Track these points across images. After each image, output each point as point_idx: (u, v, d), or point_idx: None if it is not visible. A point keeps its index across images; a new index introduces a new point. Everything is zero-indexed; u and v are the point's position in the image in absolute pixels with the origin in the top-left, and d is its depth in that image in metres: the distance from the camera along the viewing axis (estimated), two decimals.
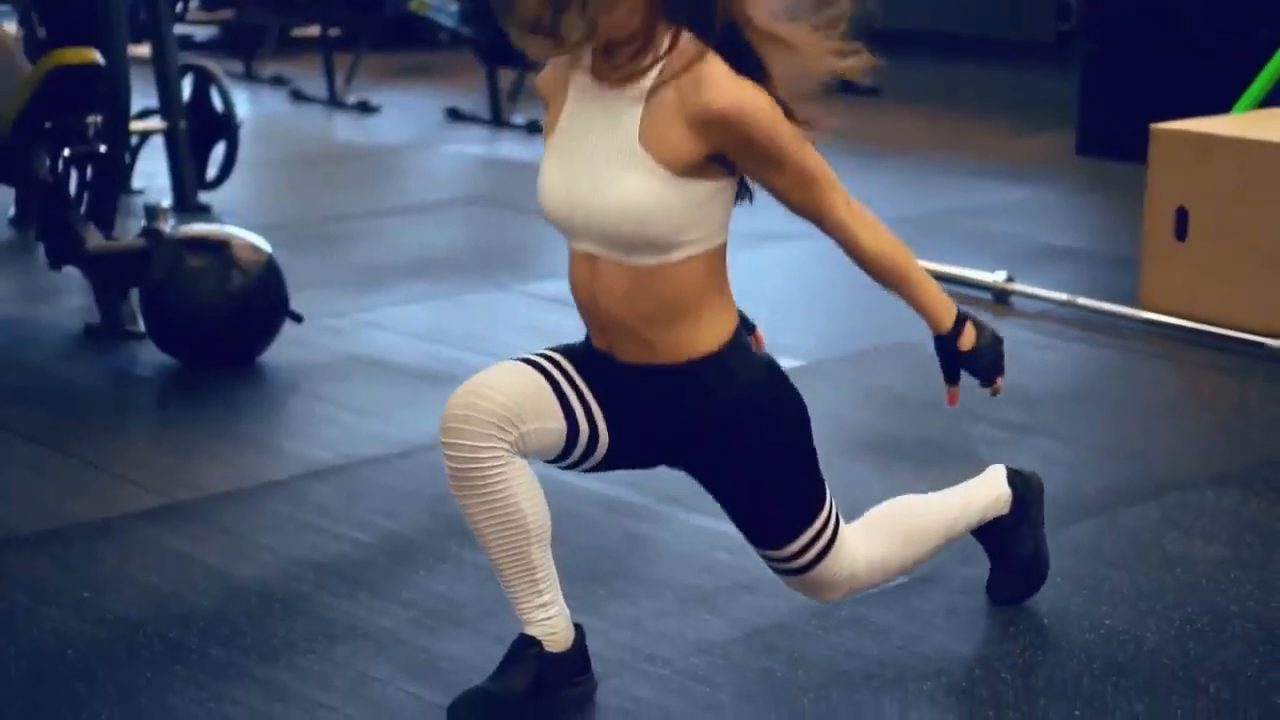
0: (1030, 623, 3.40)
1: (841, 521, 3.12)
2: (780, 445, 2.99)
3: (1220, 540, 3.80)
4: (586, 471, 3.03)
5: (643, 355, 2.90)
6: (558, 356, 2.97)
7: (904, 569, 3.27)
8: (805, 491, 3.03)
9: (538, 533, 2.92)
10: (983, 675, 3.19)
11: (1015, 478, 3.44)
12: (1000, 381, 3.11)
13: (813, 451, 3.03)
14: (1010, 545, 3.43)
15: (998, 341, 3.09)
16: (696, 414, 2.94)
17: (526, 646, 2.98)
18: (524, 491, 2.89)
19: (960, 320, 3.03)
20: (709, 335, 2.90)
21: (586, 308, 2.93)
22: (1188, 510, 3.97)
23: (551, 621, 2.99)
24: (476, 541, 2.96)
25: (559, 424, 2.91)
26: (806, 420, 3.02)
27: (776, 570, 3.13)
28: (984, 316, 5.46)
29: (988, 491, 3.39)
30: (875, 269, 2.97)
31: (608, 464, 3.01)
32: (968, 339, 3.05)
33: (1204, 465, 4.29)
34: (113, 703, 3.06)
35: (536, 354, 2.97)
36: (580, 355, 2.99)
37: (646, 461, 3.06)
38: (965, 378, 3.14)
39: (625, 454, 3.00)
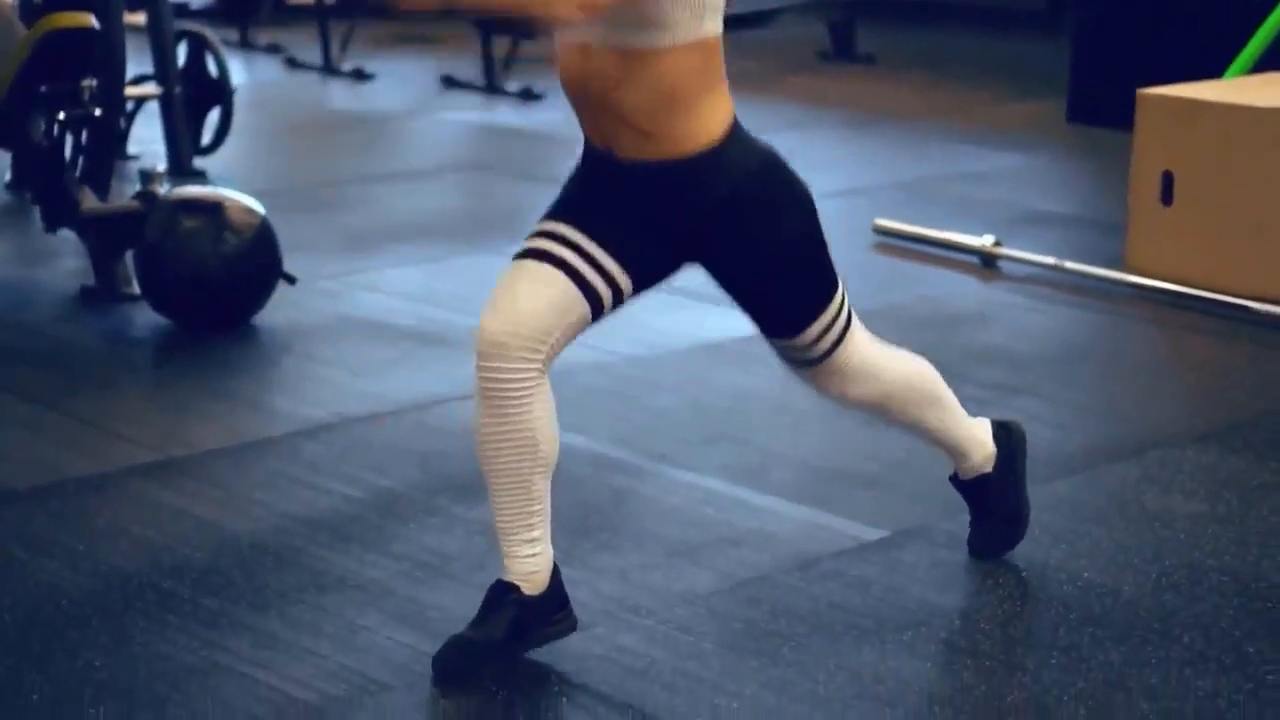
0: (1010, 576, 3.45)
1: (855, 317, 3.20)
2: (788, 230, 3.05)
3: (1199, 497, 3.86)
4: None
5: (643, 150, 2.94)
6: (560, 229, 3.00)
7: (889, 407, 3.32)
8: (816, 277, 3.11)
9: (545, 461, 3.01)
10: (962, 626, 3.25)
11: (999, 432, 3.49)
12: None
13: (821, 237, 3.10)
14: (993, 499, 3.48)
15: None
16: (702, 208, 2.98)
17: (504, 593, 3.05)
18: (543, 418, 2.99)
19: None
20: (707, 126, 2.95)
21: (581, 100, 2.97)
22: (1168, 468, 4.03)
23: (535, 559, 3.06)
24: (484, 469, 3.02)
25: (583, 309, 2.99)
26: (812, 205, 3.09)
27: (794, 362, 3.20)
28: (971, 282, 5.58)
29: (974, 434, 3.43)
30: None
31: (641, 292, 3.08)
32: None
33: (1185, 425, 4.34)
34: (106, 650, 3.12)
35: (541, 236, 3.01)
36: (577, 199, 3.04)
37: (670, 268, 3.09)
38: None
39: (649, 274, 3.06)
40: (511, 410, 2.96)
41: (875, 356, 3.25)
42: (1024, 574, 3.46)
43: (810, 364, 3.19)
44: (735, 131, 2.99)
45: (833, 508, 3.77)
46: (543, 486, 3.04)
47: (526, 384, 2.96)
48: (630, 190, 3.00)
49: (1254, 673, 3.07)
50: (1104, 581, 3.43)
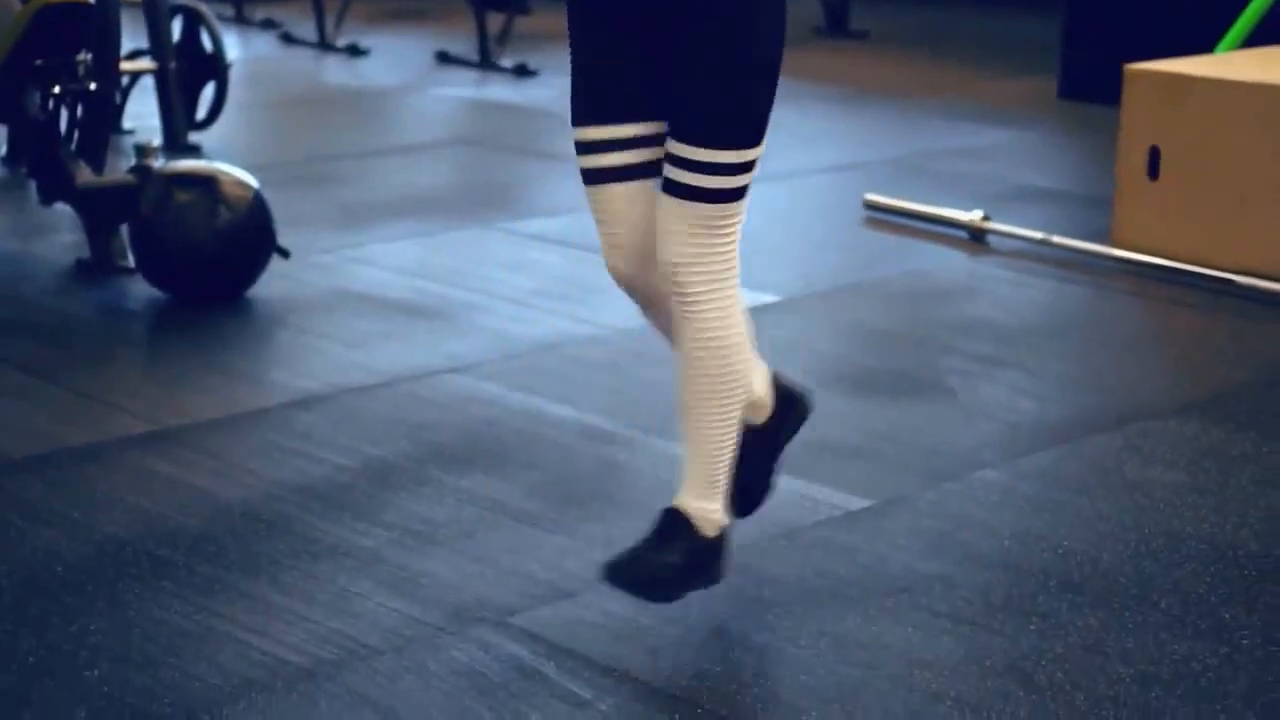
0: (991, 544, 3.51)
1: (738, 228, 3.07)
2: (754, 36, 2.92)
3: (1179, 466, 3.91)
4: None
5: None
6: (593, 134, 3.01)
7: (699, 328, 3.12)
8: (751, 105, 2.95)
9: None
10: (943, 592, 3.30)
11: (787, 394, 3.40)
12: None
13: (775, 73, 2.99)
14: (748, 457, 3.33)
15: None
16: None
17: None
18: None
19: None
20: None
21: None
22: (1149, 438, 4.08)
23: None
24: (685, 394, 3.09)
25: (653, 186, 3.02)
26: (781, 33, 2.98)
27: (672, 184, 2.97)
28: (959, 256, 5.63)
29: (754, 379, 3.28)
30: None
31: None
32: None
33: (1168, 396, 4.40)
34: (101, 615, 3.17)
35: (589, 152, 3.03)
36: (584, 85, 3.02)
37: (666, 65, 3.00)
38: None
39: (664, 85, 2.99)
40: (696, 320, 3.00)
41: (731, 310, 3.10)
42: (1005, 543, 3.51)
43: (697, 197, 2.95)
44: None
45: (819, 478, 3.82)
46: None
47: (698, 289, 2.98)
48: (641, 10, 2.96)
49: (1229, 637, 3.12)
50: (1084, 549, 3.48)
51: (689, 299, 3.00)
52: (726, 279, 3.01)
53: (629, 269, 3.09)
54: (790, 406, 3.42)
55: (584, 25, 3.05)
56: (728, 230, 2.99)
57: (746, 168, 2.98)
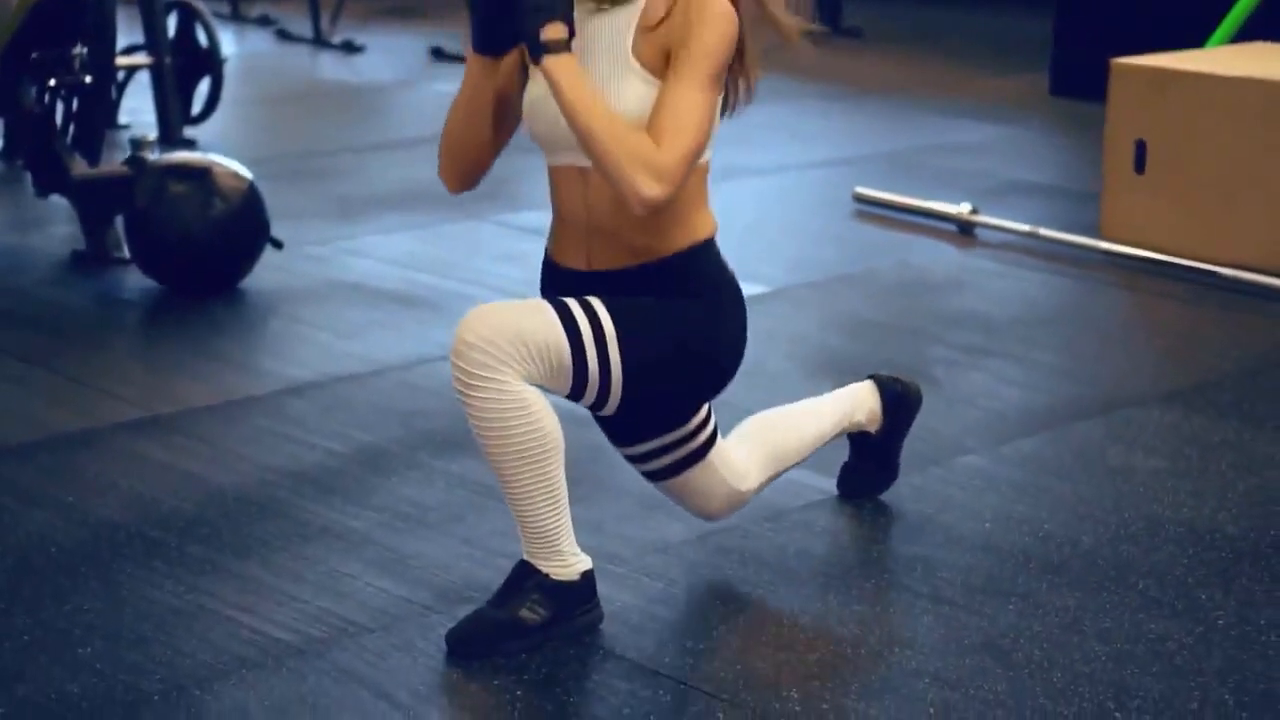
0: (973, 527, 3.55)
1: (713, 445, 3.27)
2: (698, 336, 3.03)
3: (1161, 453, 3.96)
4: None
5: (626, 260, 3.02)
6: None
7: (774, 477, 3.46)
8: (674, 399, 3.15)
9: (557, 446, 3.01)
10: (923, 573, 3.35)
11: (894, 387, 3.62)
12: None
13: (703, 388, 3.14)
14: (875, 449, 3.63)
15: None
16: (665, 284, 3.01)
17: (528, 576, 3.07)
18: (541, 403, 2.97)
19: None
20: (695, 233, 3.04)
21: (574, 220, 3.04)
22: (1132, 426, 4.13)
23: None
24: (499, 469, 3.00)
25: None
26: (730, 356, 3.11)
27: (644, 474, 3.29)
28: (948, 249, 5.67)
29: (859, 406, 3.58)
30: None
31: None
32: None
33: (1151, 385, 4.44)
34: (95, 595, 3.22)
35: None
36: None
37: None
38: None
39: None
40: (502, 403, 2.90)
41: (741, 470, 3.35)
42: (987, 526, 3.56)
43: (652, 478, 3.30)
44: (714, 245, 3.08)
45: (804, 462, 3.86)
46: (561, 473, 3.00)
47: (504, 383, 2.89)
48: (603, 289, 3.02)
49: (1204, 617, 3.17)
50: (1064, 533, 3.53)
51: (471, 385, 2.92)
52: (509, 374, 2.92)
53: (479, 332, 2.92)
54: (900, 403, 3.61)
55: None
56: (542, 362, 2.94)
57: (606, 368, 2.97)
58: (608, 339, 2.95)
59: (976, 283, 5.34)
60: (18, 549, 3.42)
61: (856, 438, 3.63)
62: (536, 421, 2.91)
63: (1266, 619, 3.16)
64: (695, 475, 3.28)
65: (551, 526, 3.00)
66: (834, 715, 2.83)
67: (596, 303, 2.98)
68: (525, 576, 3.03)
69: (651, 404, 3.14)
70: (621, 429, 3.24)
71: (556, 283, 3.12)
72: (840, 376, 4.45)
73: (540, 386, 2.94)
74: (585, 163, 2.97)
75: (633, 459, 3.29)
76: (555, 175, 3.07)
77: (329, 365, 4.51)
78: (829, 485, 3.72)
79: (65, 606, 3.17)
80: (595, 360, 2.95)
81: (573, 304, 2.97)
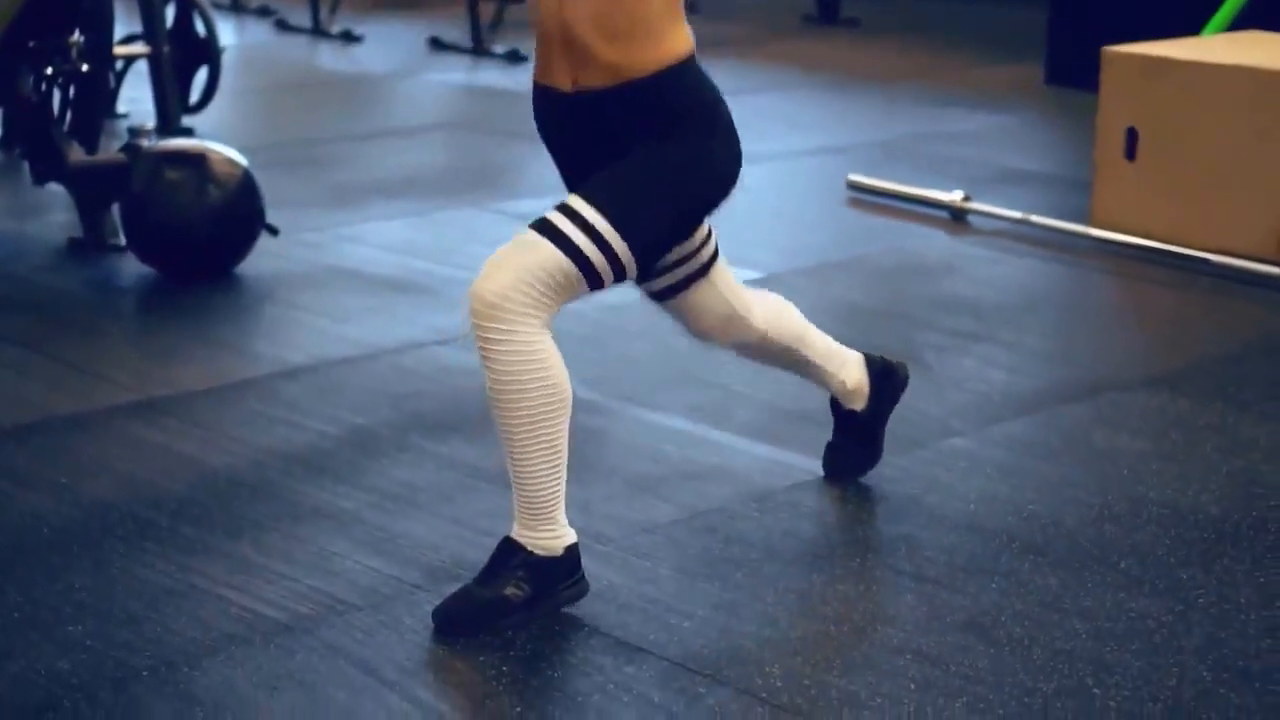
0: (957, 508, 3.59)
1: (718, 262, 3.34)
2: (696, 150, 3.08)
3: (1146, 436, 3.99)
4: None
5: (610, 78, 3.05)
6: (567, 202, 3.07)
7: (752, 344, 3.49)
8: (655, 205, 3.08)
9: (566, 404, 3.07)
10: (908, 553, 3.38)
11: (881, 364, 3.66)
12: None
13: (704, 199, 3.14)
14: (859, 427, 3.67)
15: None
16: (649, 114, 3.05)
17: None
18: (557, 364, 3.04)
19: None
20: (670, 51, 3.06)
21: (551, 36, 3.08)
22: (1118, 409, 4.16)
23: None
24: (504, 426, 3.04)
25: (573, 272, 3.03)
26: (727, 180, 3.14)
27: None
28: (940, 235, 5.70)
29: (848, 363, 3.61)
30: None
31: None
32: None
33: (1138, 369, 4.47)
34: (86, 573, 3.25)
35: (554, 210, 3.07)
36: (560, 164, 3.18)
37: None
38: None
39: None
40: (517, 362, 2.97)
41: (730, 299, 3.38)
42: (971, 507, 3.59)
43: (661, 296, 3.34)
44: (694, 61, 3.10)
45: (792, 445, 3.90)
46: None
47: (524, 338, 2.96)
48: (590, 118, 3.09)
49: (1184, 595, 3.20)
50: (1048, 513, 3.56)
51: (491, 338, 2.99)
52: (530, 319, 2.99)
53: (492, 288, 2.99)
54: (885, 380, 3.66)
55: (564, 143, 3.20)
56: (554, 287, 3.01)
57: (611, 254, 3.02)
58: (603, 234, 3.01)
59: (968, 269, 5.37)
60: (11, 529, 3.45)
61: (842, 415, 3.66)
62: (551, 378, 3.00)
63: (1246, 598, 3.19)
64: (698, 292, 3.33)
65: (548, 493, 3.06)
66: (815, 690, 2.86)
67: (577, 202, 3.03)
68: (510, 554, 3.08)
69: (661, 241, 3.16)
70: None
71: (547, 109, 3.18)
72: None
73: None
74: None
75: (638, 279, 3.28)
76: None
77: (323, 349, 4.54)
78: (817, 466, 3.75)
79: (57, 585, 3.21)
80: (602, 259, 3.02)
81: (555, 216, 3.03)
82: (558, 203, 3.07)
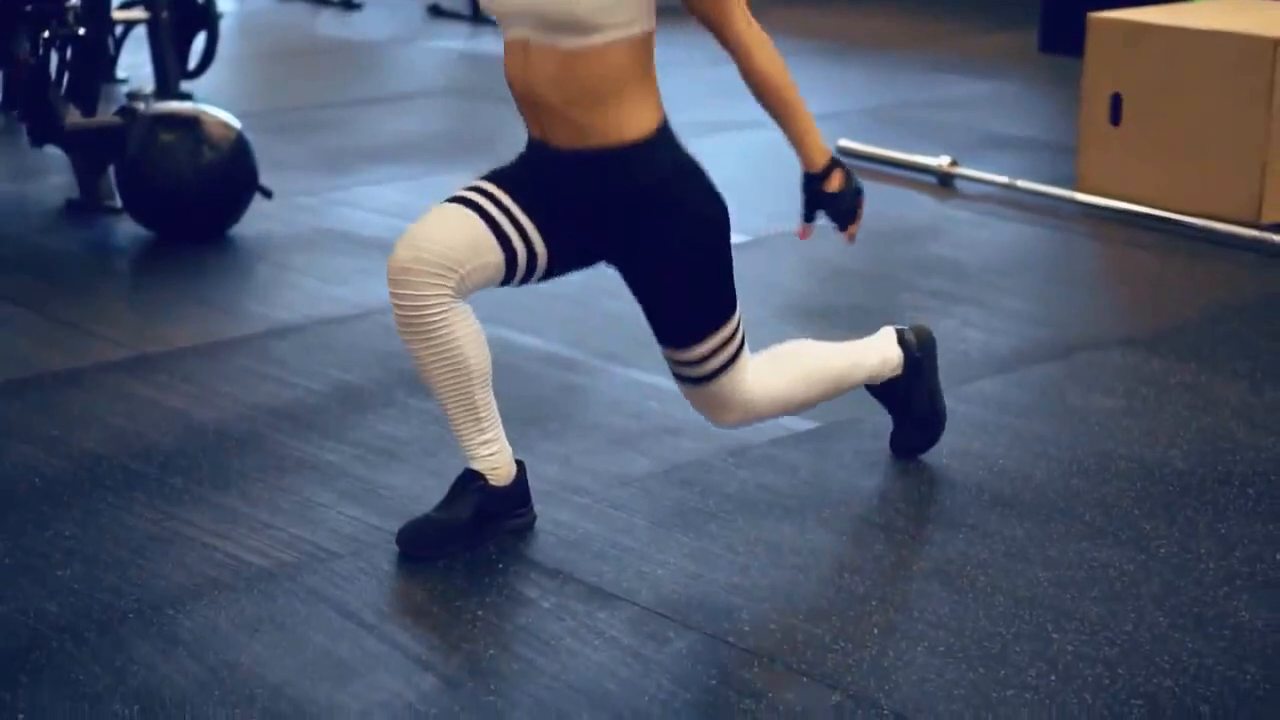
0: (930, 463, 3.66)
1: (746, 345, 3.36)
2: (698, 239, 3.19)
3: (1118, 393, 4.06)
4: (539, 282, 3.27)
5: (575, 139, 3.11)
6: (488, 186, 3.19)
7: (789, 408, 3.48)
8: (716, 294, 3.24)
9: (480, 374, 3.19)
10: (879, 505, 3.46)
11: (905, 336, 3.65)
12: (854, 229, 3.30)
13: (728, 258, 3.24)
14: (907, 402, 3.65)
15: (858, 192, 3.30)
16: (625, 196, 3.14)
17: (471, 480, 3.26)
18: (466, 336, 3.16)
19: (831, 164, 3.24)
20: (637, 122, 3.11)
21: (521, 95, 3.15)
22: (1093, 368, 4.23)
23: (494, 458, 3.26)
24: (425, 386, 3.24)
25: (497, 256, 3.15)
26: (726, 224, 3.22)
27: (682, 378, 3.33)
28: (927, 200, 5.77)
29: (877, 353, 3.60)
30: (762, 88, 3.18)
31: (553, 271, 3.25)
32: (834, 183, 3.26)
33: (1115, 330, 4.55)
34: (75, 522, 3.34)
35: (468, 189, 3.20)
36: (511, 173, 3.22)
37: (585, 257, 3.27)
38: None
39: (566, 254, 3.23)
40: (432, 334, 3.13)
41: (759, 385, 3.38)
42: (944, 461, 3.67)
43: (698, 383, 3.32)
44: (665, 132, 3.15)
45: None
46: (484, 396, 3.21)
47: (439, 309, 3.11)
48: (562, 175, 3.16)
49: (1146, 545, 3.28)
50: (1018, 468, 3.64)
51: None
52: None
53: (409, 254, 3.14)
54: (916, 342, 3.64)
55: (534, 170, 3.23)
56: (733, 357, 3.30)
57: (728, 338, 3.28)
58: (732, 358, 3.29)
59: (951, 232, 5.44)
60: (2, 479, 3.54)
61: (889, 397, 3.65)
62: (461, 352, 3.16)
63: (1206, 549, 3.27)
64: (728, 380, 3.32)
65: (469, 434, 3.25)
66: (780, 634, 2.94)
67: (678, 353, 3.29)
68: (468, 482, 3.24)
69: (706, 296, 3.26)
70: (675, 330, 3.29)
71: (530, 147, 3.22)
72: (811, 320, 4.57)
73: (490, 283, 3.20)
74: (528, 35, 3.07)
75: (686, 363, 3.31)
76: (506, 49, 3.17)
77: (313, 309, 4.62)
78: (793, 423, 3.83)
79: (46, 533, 3.29)
80: (517, 239, 3.15)
81: (474, 196, 3.17)
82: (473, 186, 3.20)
